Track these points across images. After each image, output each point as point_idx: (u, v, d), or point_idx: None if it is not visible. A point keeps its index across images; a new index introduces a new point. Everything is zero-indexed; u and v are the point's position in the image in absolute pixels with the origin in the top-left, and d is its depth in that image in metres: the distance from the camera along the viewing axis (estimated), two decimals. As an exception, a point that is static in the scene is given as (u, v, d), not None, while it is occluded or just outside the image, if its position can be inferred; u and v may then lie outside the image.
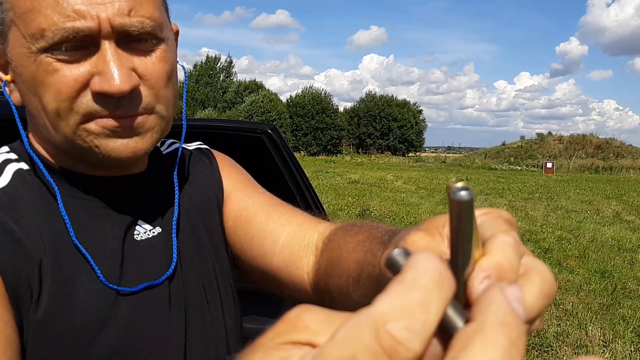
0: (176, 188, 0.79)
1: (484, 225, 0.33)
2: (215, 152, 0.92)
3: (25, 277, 0.61)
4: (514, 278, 0.29)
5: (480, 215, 0.35)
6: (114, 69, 0.62)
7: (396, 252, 0.27)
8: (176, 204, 0.78)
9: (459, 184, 0.27)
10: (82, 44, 0.62)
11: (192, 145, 0.92)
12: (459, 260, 0.28)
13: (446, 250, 0.34)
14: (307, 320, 0.25)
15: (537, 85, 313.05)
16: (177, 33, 0.77)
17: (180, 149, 0.83)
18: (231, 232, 0.85)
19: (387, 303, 0.22)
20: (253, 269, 0.83)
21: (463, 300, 0.28)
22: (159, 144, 0.88)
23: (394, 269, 0.26)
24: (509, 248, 0.30)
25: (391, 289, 0.23)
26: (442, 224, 0.36)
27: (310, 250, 0.76)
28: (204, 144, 0.94)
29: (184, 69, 0.83)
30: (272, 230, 0.80)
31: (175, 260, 0.75)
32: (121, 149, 0.66)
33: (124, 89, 0.62)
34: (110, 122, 0.64)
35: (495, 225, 0.33)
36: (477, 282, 0.28)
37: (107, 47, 0.62)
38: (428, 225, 0.37)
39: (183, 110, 0.85)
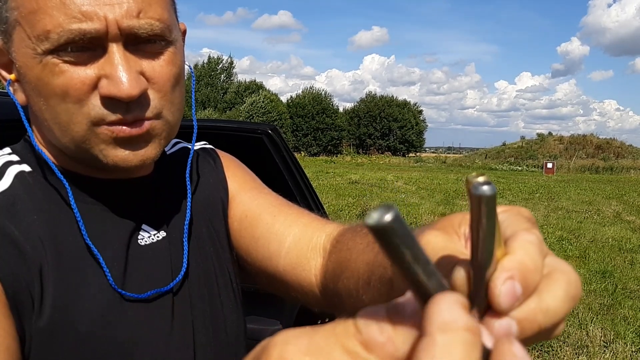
0: (189, 193, 0.78)
1: (505, 223, 0.32)
2: (220, 152, 0.91)
3: (25, 283, 0.60)
4: (538, 279, 0.28)
5: (500, 213, 0.33)
6: (122, 72, 0.60)
7: (376, 214, 0.23)
8: (188, 209, 0.77)
9: (480, 178, 0.25)
10: (88, 46, 0.60)
11: (197, 145, 0.90)
12: (481, 259, 0.27)
13: (464, 250, 0.33)
14: None
15: (538, 86, 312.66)
16: (184, 32, 0.75)
17: (191, 152, 0.81)
18: (236, 234, 0.83)
19: None
20: (259, 271, 0.81)
21: (484, 302, 0.27)
22: None
23: (377, 232, 0.23)
24: (533, 247, 0.28)
25: None
26: (459, 223, 0.35)
27: (318, 252, 0.75)
28: (208, 144, 0.92)
29: (190, 69, 0.81)
30: (278, 231, 0.78)
31: (185, 266, 0.73)
32: (130, 157, 0.64)
33: (133, 93, 0.60)
34: (121, 132, 0.62)
35: (516, 223, 0.32)
36: (500, 283, 0.27)
37: (115, 49, 0.60)
38: (444, 224, 0.36)
39: (192, 110, 0.84)
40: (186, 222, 0.76)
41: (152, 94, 0.64)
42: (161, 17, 0.63)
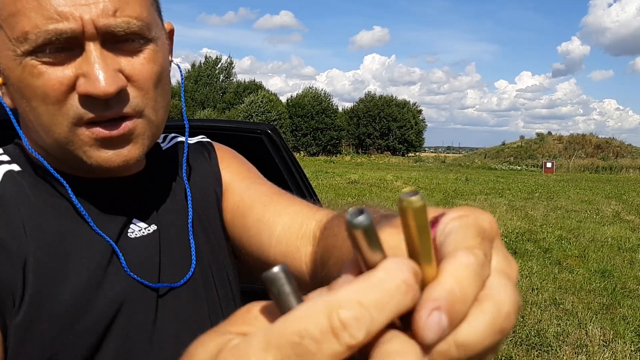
0: (188, 192, 0.78)
1: (450, 236, 0.28)
2: (216, 145, 0.91)
3: (7, 280, 0.60)
4: (466, 309, 0.26)
5: (452, 219, 0.30)
6: (98, 70, 0.61)
7: (352, 214, 0.25)
8: (190, 207, 0.78)
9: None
10: (66, 46, 0.61)
11: (194, 139, 0.90)
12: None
13: None
14: (255, 313, 0.27)
15: (538, 85, 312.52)
16: (171, 32, 0.76)
17: (185, 149, 0.82)
18: (230, 225, 0.84)
19: (346, 293, 0.23)
20: (252, 261, 0.82)
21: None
22: (159, 139, 0.87)
23: (353, 228, 0.25)
24: (466, 272, 0.26)
25: (357, 281, 0.24)
26: None
27: (308, 240, 0.75)
28: (206, 137, 0.93)
29: (179, 68, 0.82)
30: (268, 220, 0.79)
31: (195, 263, 0.74)
32: (113, 158, 0.65)
33: (109, 90, 0.60)
34: (101, 133, 0.63)
35: (460, 239, 0.28)
36: (425, 314, 0.24)
37: (92, 48, 0.61)
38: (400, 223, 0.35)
39: (183, 109, 0.85)
40: (189, 220, 0.77)
41: (132, 92, 0.65)
42: (139, 15, 0.63)
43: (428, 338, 0.24)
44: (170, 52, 0.75)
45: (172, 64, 0.76)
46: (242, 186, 0.85)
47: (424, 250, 0.26)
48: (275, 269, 0.25)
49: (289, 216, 0.78)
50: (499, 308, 0.26)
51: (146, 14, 0.65)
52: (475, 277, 0.26)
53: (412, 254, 0.26)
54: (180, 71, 0.84)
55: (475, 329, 0.25)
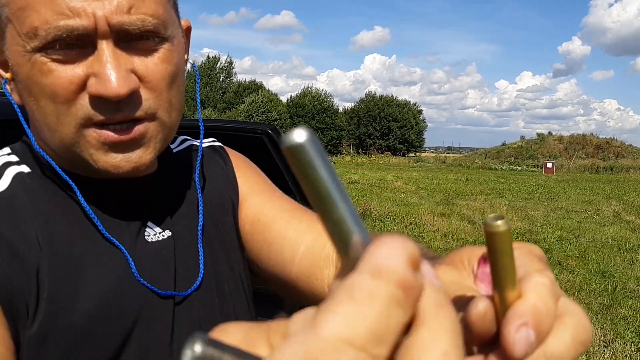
0: (199, 195, 0.76)
1: (516, 263, 0.30)
2: (230, 151, 0.89)
3: (19, 286, 0.58)
4: (551, 324, 0.27)
5: None
6: (110, 70, 0.58)
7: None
8: (200, 213, 0.75)
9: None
10: (77, 43, 0.58)
11: (205, 143, 0.87)
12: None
13: (473, 286, 0.32)
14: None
15: (539, 85, 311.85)
16: (188, 29, 0.73)
17: (199, 152, 0.79)
18: (248, 237, 0.81)
19: (331, 330, 0.19)
20: (271, 276, 0.80)
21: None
22: None
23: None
24: (546, 291, 0.28)
25: (341, 302, 0.20)
26: (468, 257, 0.34)
27: (331, 262, 0.72)
28: (217, 141, 0.90)
29: (194, 67, 0.79)
30: (291, 238, 0.76)
31: (202, 271, 0.72)
32: (122, 164, 0.62)
33: (121, 92, 0.58)
34: (108, 137, 0.60)
35: (528, 264, 0.30)
36: (514, 330, 0.26)
37: (105, 47, 0.58)
38: (453, 259, 0.35)
39: (198, 111, 0.82)
40: (199, 227, 0.74)
41: (145, 93, 0.62)
42: (155, 12, 0.60)
43: (517, 352, 0.26)
44: (187, 50, 0.72)
45: (187, 63, 0.73)
46: (261, 199, 0.83)
47: (509, 273, 0.27)
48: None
49: (312, 235, 0.76)
50: (578, 322, 0.28)
51: (162, 12, 0.62)
52: (553, 294, 0.28)
53: (498, 277, 0.27)
54: (197, 71, 0.81)
55: (562, 341, 0.27)
